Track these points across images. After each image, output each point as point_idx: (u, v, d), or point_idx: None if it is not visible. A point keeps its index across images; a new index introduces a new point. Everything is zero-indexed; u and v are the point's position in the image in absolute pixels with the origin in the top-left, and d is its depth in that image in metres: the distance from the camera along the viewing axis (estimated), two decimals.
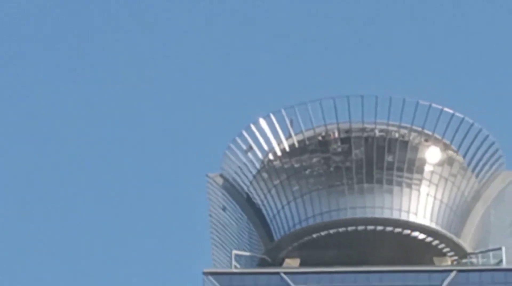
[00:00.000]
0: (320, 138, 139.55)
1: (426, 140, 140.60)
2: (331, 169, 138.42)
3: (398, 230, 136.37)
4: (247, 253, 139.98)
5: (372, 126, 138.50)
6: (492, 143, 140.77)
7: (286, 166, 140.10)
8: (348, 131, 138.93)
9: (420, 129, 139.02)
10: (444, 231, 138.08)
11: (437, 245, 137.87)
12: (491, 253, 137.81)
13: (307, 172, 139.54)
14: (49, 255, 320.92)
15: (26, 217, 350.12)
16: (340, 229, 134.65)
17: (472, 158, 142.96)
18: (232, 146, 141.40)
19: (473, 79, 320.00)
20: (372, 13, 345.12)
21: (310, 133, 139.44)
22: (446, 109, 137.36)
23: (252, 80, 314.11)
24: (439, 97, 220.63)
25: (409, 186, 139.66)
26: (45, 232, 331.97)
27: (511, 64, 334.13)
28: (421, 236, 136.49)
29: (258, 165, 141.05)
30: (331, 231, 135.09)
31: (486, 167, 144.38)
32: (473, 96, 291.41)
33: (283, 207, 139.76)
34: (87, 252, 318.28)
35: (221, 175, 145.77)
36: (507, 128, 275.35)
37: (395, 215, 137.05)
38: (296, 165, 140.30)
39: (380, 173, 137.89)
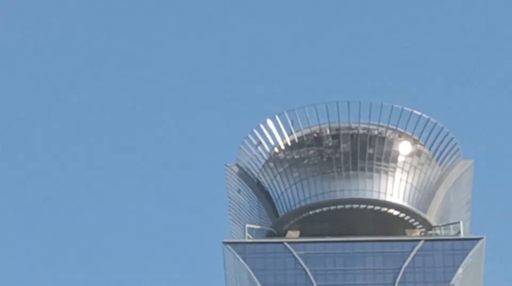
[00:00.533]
0: (315, 135, 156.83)
1: (399, 136, 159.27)
2: (324, 159, 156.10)
3: (377, 208, 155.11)
4: (258, 227, 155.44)
5: (357, 125, 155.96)
6: (452, 139, 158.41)
7: (288, 157, 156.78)
8: (337, 129, 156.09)
9: (394, 127, 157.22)
10: (414, 208, 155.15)
11: (408, 219, 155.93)
12: (451, 226, 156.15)
13: (305, 162, 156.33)
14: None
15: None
16: (332, 207, 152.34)
17: (436, 151, 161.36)
18: (246, 141, 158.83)
19: (438, 85, 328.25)
20: (358, 25, 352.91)
21: (307, 131, 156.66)
22: (415, 111, 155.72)
23: (262, 88, 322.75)
24: (411, 101, 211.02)
25: (386, 173, 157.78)
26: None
27: (468, 72, 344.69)
28: (396, 212, 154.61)
29: (266, 157, 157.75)
30: (324, 209, 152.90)
31: (447, 157, 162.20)
32: (439, 100, 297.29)
33: (286, 189, 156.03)
34: (114, 228, 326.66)
35: (237, 165, 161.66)
36: (464, 127, 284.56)
37: (375, 196, 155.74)
38: (296, 157, 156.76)
39: (363, 163, 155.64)
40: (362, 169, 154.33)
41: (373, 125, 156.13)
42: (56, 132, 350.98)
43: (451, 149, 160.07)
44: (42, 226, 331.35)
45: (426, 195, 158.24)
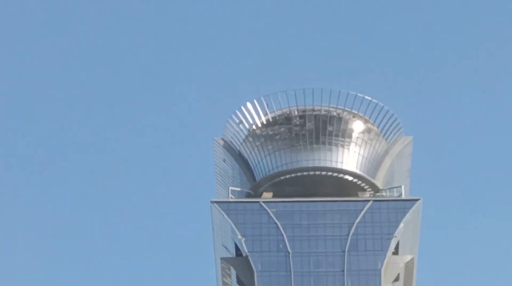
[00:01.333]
0: (285, 115, 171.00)
1: (353, 117, 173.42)
2: (292, 135, 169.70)
3: (335, 174, 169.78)
4: (239, 189, 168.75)
5: (319, 108, 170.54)
6: (396, 119, 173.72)
7: (264, 133, 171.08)
8: (303, 111, 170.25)
9: (349, 109, 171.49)
10: (364, 175, 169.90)
11: (360, 184, 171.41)
12: (394, 189, 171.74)
13: (277, 137, 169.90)
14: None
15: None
16: (298, 174, 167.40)
17: (383, 129, 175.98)
18: (230, 120, 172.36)
19: (386, 73, 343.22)
20: (321, 17, 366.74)
21: (279, 112, 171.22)
22: (366, 97, 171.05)
23: (243, 76, 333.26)
24: (363, 88, 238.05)
25: (342, 146, 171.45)
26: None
27: (412, 62, 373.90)
28: (350, 178, 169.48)
29: (246, 133, 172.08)
30: (293, 175, 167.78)
31: (392, 134, 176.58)
32: (386, 87, 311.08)
33: (262, 159, 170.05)
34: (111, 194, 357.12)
35: (222, 139, 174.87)
36: (406, 109, 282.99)
37: (333, 165, 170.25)
38: (270, 133, 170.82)
39: (324, 138, 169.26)
40: (323, 143, 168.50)
41: (332, 107, 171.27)
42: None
43: (395, 127, 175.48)
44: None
45: (375, 164, 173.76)
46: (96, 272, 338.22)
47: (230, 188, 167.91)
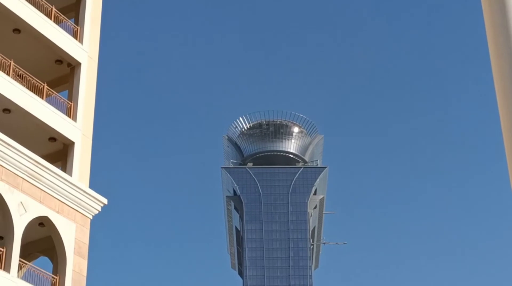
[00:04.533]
0: (259, 123, 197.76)
1: (293, 124, 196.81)
2: (263, 134, 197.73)
3: (284, 154, 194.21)
4: (235, 161, 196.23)
5: (276, 120, 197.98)
6: (315, 126, 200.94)
7: (248, 132, 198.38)
8: (268, 121, 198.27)
9: (291, 121, 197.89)
10: (299, 154, 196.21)
11: (297, 159, 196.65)
12: (314, 162, 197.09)
13: (254, 135, 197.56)
14: None
15: None
16: (266, 153, 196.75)
17: (308, 130, 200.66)
18: (231, 125, 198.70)
19: (311, 93, 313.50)
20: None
21: (256, 122, 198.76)
22: (300, 114, 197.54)
23: (239, 98, 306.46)
24: (299, 107, 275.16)
25: (288, 139, 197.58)
26: None
27: (326, 76, 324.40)
28: (291, 156, 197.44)
29: (239, 132, 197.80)
30: (262, 154, 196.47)
31: (313, 133, 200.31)
32: (312, 103, 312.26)
33: (247, 146, 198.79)
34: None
35: (227, 135, 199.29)
36: (322, 118, 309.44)
37: (283, 148, 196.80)
38: (251, 132, 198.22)
39: (278, 135, 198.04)
40: (278, 138, 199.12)
41: (283, 120, 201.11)
42: None
43: (314, 130, 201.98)
44: None
45: (304, 148, 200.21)
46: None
47: (231, 160, 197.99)
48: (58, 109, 28.75)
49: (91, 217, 28.27)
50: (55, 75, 29.82)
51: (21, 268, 25.79)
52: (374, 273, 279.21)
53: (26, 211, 25.64)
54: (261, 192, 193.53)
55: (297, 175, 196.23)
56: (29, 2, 28.55)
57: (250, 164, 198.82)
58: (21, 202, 25.58)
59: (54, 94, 29.12)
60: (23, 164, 25.88)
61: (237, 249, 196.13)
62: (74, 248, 26.94)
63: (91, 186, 28.82)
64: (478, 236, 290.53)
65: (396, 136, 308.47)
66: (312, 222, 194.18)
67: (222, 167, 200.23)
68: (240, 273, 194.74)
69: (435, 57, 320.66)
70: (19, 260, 25.35)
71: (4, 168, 25.50)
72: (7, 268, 24.69)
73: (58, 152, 28.78)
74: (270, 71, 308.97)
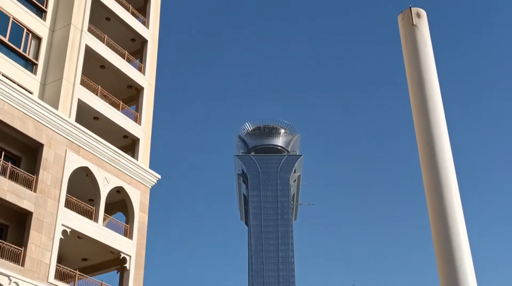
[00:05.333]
0: (259, 127, 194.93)
1: (281, 128, 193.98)
2: (261, 134, 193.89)
3: (276, 147, 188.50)
4: (243, 151, 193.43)
5: (270, 124, 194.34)
6: (294, 128, 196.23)
7: (252, 133, 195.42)
8: (265, 126, 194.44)
9: (280, 125, 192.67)
10: (285, 147, 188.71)
11: (284, 150, 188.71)
12: (295, 151, 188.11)
13: (255, 134, 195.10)
14: None
15: None
16: (263, 146, 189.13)
17: (290, 131, 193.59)
18: (241, 128, 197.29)
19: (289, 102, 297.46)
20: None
21: (256, 126, 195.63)
22: (285, 121, 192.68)
23: (245, 106, 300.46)
24: (286, 113, 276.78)
25: (277, 137, 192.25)
26: None
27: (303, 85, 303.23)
28: (280, 148, 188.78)
29: (245, 133, 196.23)
30: (261, 147, 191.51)
31: (293, 133, 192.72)
32: (296, 112, 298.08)
33: (251, 141, 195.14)
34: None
35: (238, 135, 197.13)
36: (300, 122, 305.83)
37: (275, 143, 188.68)
38: (254, 133, 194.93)
39: (272, 135, 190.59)
40: (271, 136, 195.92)
41: (274, 124, 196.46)
42: None
43: (294, 131, 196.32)
44: None
45: (288, 142, 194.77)
46: None
47: (240, 151, 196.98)
48: (129, 117, 28.85)
49: (150, 187, 28.18)
50: (127, 95, 29.83)
51: (105, 220, 25.58)
52: (332, 222, 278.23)
53: (108, 183, 25.78)
54: (259, 171, 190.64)
55: (283, 160, 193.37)
56: (110, 48, 28.54)
57: (252, 153, 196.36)
58: (105, 177, 25.74)
59: (126, 108, 29.18)
60: (106, 153, 25.96)
61: (244, 208, 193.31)
62: (139, 207, 26.90)
63: (150, 166, 28.63)
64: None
65: (352, 134, 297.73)
66: (293, 191, 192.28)
67: (235, 155, 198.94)
68: (246, 223, 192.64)
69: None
70: (104, 214, 25.20)
71: (94, 155, 25.62)
72: (95, 219, 24.70)
73: (129, 145, 28.73)
74: (265, 93, 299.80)
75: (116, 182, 26.00)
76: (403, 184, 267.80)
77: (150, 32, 30.94)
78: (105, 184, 25.42)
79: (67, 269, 23.37)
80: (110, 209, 26.53)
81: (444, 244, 2.42)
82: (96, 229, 24.37)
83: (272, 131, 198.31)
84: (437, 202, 2.53)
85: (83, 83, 26.40)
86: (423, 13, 2.77)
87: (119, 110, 27.97)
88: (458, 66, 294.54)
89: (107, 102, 27.49)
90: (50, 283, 21.68)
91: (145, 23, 31.03)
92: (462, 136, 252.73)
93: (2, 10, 24.63)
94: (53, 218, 22.51)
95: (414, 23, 2.75)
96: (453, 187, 2.47)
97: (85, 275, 24.58)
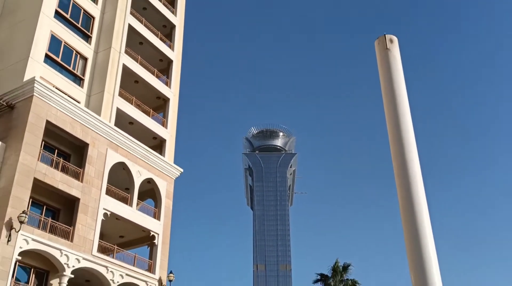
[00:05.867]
0: (263, 131, 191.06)
1: (279, 131, 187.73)
2: (264, 136, 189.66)
3: (276, 146, 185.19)
4: (249, 149, 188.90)
5: (272, 128, 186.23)
6: (290, 131, 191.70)
7: (257, 135, 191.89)
8: (267, 129, 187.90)
9: (279, 129, 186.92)
10: (284, 147, 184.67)
11: (282, 149, 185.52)
12: (292, 151, 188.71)
13: (259, 137, 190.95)
14: None
15: None
16: (266, 146, 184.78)
17: (288, 134, 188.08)
18: (248, 132, 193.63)
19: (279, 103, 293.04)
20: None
21: (260, 130, 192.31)
22: (283, 125, 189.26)
23: (252, 113, 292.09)
24: (282, 118, 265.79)
25: (277, 139, 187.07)
26: None
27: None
28: (279, 148, 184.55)
29: (251, 135, 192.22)
30: (264, 146, 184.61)
31: (289, 136, 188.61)
32: (289, 117, 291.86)
33: (256, 142, 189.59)
34: None
35: (246, 137, 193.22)
36: (296, 126, 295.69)
37: (276, 144, 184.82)
38: (258, 136, 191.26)
39: (272, 137, 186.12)
40: (272, 138, 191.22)
41: (274, 128, 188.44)
42: None
43: (290, 134, 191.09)
44: None
45: (288, 144, 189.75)
46: None
47: (247, 150, 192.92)
48: (157, 122, 28.62)
49: (174, 178, 28.01)
50: (156, 104, 29.60)
51: (138, 205, 25.45)
52: (321, 207, 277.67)
53: (140, 175, 25.75)
54: (262, 166, 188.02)
55: (281, 157, 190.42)
56: (142, 67, 28.42)
57: (257, 152, 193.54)
58: (138, 170, 25.74)
59: (155, 115, 29.01)
60: (139, 151, 25.89)
61: (250, 196, 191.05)
62: (165, 194, 26.78)
63: (175, 162, 28.44)
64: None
65: (338, 137, 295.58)
66: (289, 182, 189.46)
67: (242, 153, 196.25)
68: (251, 208, 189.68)
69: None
70: (137, 200, 25.08)
71: (129, 153, 25.58)
72: (130, 204, 24.56)
73: (157, 144, 28.51)
74: (267, 103, 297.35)
75: (147, 174, 25.90)
76: (380, 175, 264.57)
77: (175, 54, 30.91)
78: (138, 176, 25.32)
79: (107, 244, 23.48)
80: (142, 196, 26.51)
81: (411, 233, 2.36)
82: (130, 212, 24.29)
83: (273, 134, 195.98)
84: (405, 193, 2.49)
85: (120, 94, 26.44)
86: (395, 39, 2.81)
87: (149, 117, 27.86)
88: (425, 79, 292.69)
89: (140, 110, 27.41)
90: (93, 255, 21.72)
91: (171, 46, 31.09)
92: (428, 139, 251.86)
93: (56, 36, 24.75)
94: (96, 203, 22.56)
95: (388, 47, 2.74)
96: (419, 186, 2.41)
97: (122, 249, 24.53)
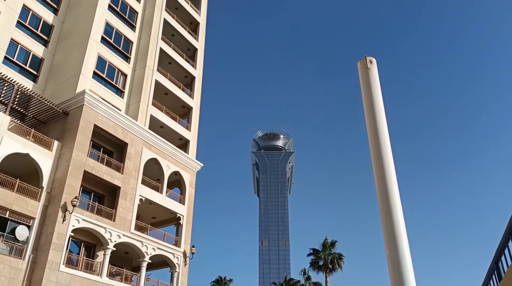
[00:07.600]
0: (266, 134, 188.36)
1: (280, 134, 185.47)
2: (267, 138, 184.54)
3: (277, 146, 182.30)
4: (256, 149, 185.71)
5: (273, 131, 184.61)
6: (288, 133, 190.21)
7: (261, 138, 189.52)
8: (270, 132, 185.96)
9: (280, 132, 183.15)
10: (284, 147, 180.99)
11: (283, 149, 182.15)
12: (290, 149, 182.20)
13: (263, 138, 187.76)
14: None
15: None
16: (269, 146, 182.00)
17: (287, 136, 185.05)
18: (256, 133, 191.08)
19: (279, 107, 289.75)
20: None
21: (264, 133, 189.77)
22: (283, 129, 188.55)
23: (259, 120, 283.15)
24: (283, 123, 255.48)
25: (278, 140, 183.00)
26: None
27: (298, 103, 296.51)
28: (280, 147, 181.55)
29: (258, 136, 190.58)
30: (267, 146, 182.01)
31: (287, 138, 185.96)
32: (289, 119, 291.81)
33: (261, 143, 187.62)
34: None
35: (254, 138, 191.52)
36: (293, 130, 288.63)
37: (277, 144, 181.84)
38: (262, 138, 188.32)
39: (274, 138, 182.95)
40: (273, 140, 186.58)
41: (276, 132, 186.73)
42: None
43: (289, 137, 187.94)
44: None
45: (287, 143, 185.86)
46: None
47: (254, 149, 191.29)
48: (183, 127, 28.39)
49: (196, 171, 27.72)
50: (182, 112, 29.39)
51: (167, 192, 25.36)
52: (314, 195, 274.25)
53: (169, 169, 25.66)
54: (267, 162, 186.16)
55: (282, 155, 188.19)
56: (171, 82, 28.27)
57: (262, 150, 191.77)
58: (167, 165, 25.66)
59: (182, 120, 28.80)
60: (168, 149, 25.65)
61: (257, 186, 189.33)
62: (189, 184, 26.56)
63: (197, 158, 28.30)
64: None
65: (329, 139, 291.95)
66: (288, 175, 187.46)
67: (251, 151, 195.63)
68: (258, 196, 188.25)
69: None
70: (166, 188, 24.99)
71: (160, 151, 25.37)
72: (161, 192, 24.41)
73: (183, 144, 28.30)
74: (271, 112, 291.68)
75: (174, 168, 25.74)
76: (361, 168, 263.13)
77: (197, 72, 30.71)
78: (167, 169, 25.20)
79: (142, 223, 23.35)
80: (170, 185, 26.41)
81: (390, 228, 2.32)
82: (161, 198, 24.16)
83: (275, 136, 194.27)
84: (383, 190, 2.43)
85: (153, 104, 26.37)
86: (374, 60, 2.83)
87: (176, 122, 27.75)
88: (399, 94, 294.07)
89: (168, 116, 27.29)
90: (131, 232, 21.68)
91: (194, 66, 30.88)
92: (401, 141, 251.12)
93: (102, 57, 24.88)
94: (134, 191, 22.49)
95: (368, 67, 2.72)
96: (394, 187, 2.41)
97: (154, 228, 24.42)
